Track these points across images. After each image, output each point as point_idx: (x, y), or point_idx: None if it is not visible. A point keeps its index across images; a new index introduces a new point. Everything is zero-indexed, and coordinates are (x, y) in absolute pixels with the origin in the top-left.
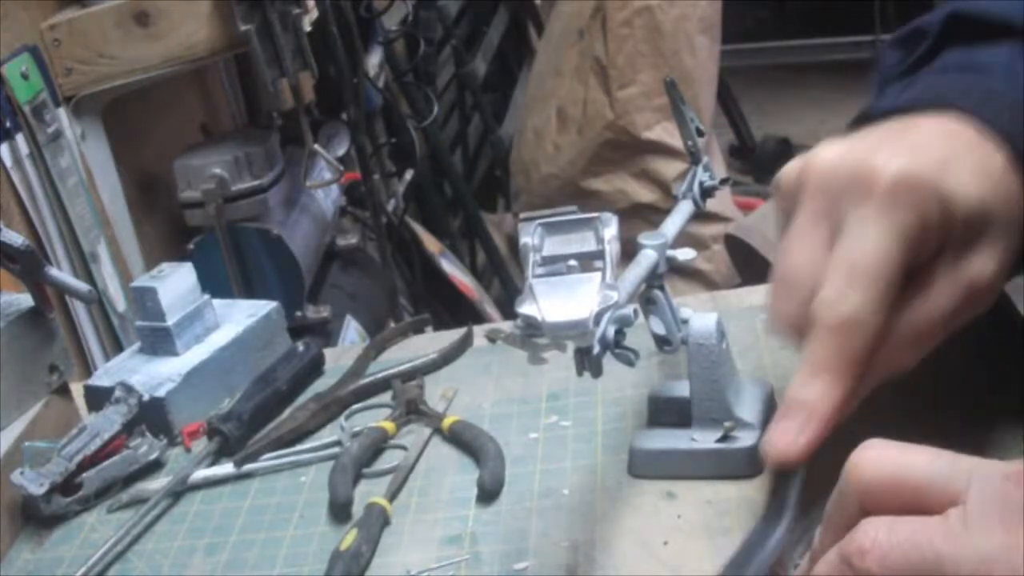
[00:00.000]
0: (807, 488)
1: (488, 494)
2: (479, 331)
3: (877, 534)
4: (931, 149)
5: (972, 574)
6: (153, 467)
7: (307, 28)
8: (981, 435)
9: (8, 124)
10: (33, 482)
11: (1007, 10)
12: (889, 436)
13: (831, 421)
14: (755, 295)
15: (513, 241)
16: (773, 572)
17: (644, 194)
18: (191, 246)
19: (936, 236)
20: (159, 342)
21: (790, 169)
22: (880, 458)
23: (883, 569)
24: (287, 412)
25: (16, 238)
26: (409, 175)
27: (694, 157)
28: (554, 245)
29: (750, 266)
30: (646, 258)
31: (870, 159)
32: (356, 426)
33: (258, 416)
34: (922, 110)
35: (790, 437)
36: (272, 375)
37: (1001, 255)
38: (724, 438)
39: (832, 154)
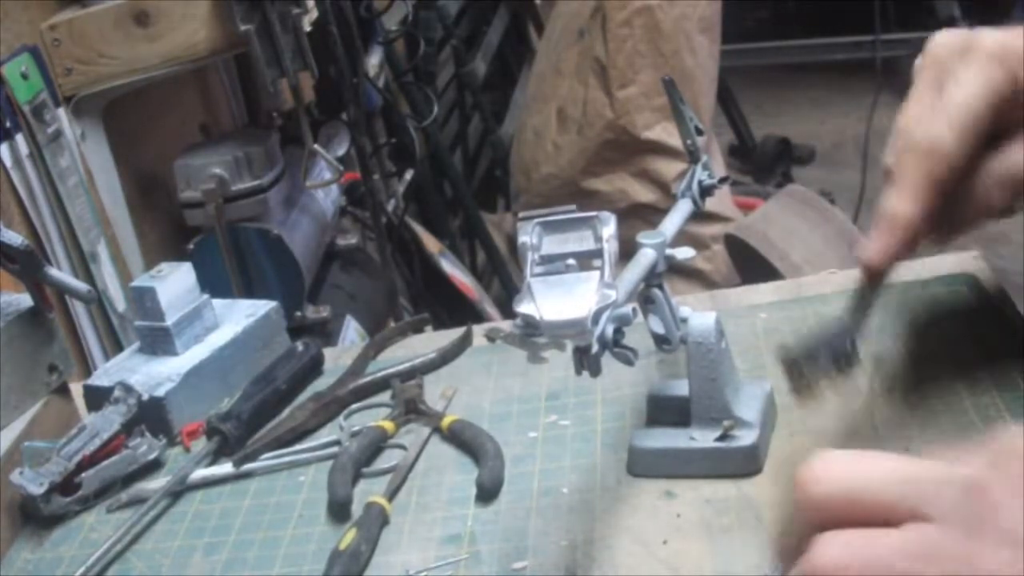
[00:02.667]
0: None
1: (487, 493)
2: (478, 330)
3: (833, 552)
4: None
5: None
6: (152, 467)
7: (307, 28)
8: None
9: (8, 124)
10: (33, 482)
11: None
12: (895, 437)
13: (911, 231)
14: (755, 294)
15: (513, 241)
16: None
17: (644, 194)
18: (191, 246)
19: None
20: (158, 342)
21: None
22: (831, 471)
23: None
24: (286, 412)
25: (16, 238)
26: (409, 175)
27: (693, 156)
28: (553, 244)
29: (750, 266)
30: (645, 257)
31: (975, 35)
32: (355, 425)
33: (257, 416)
34: None
35: (875, 244)
36: (271, 375)
37: None
38: (723, 437)
39: (948, 35)
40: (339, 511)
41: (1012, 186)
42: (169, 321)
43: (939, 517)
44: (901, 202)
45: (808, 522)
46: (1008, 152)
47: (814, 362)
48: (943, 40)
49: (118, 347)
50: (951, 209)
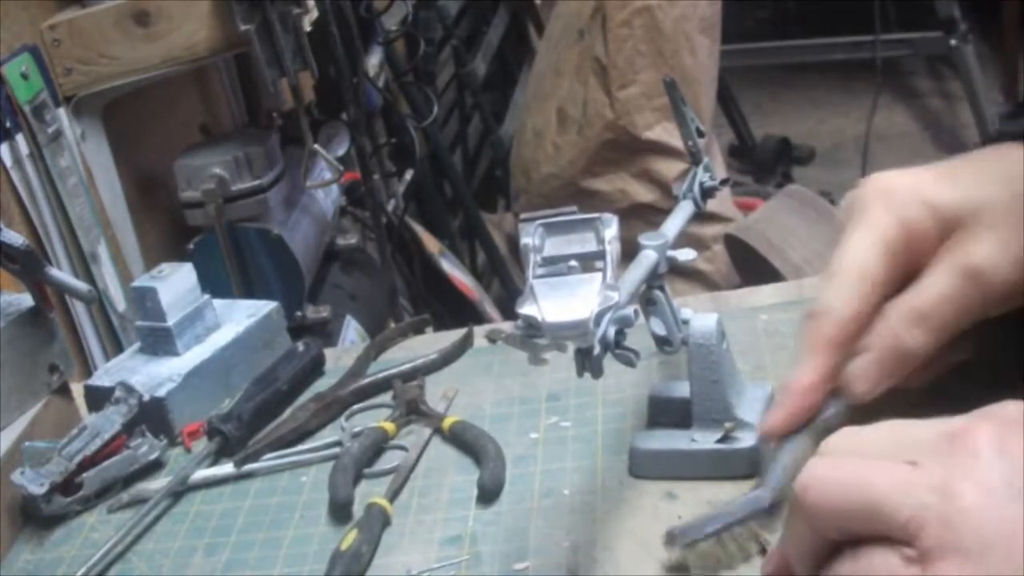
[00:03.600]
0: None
1: (488, 494)
2: (479, 331)
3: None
4: (939, 168)
5: None
6: (153, 467)
7: (307, 28)
8: None
9: (8, 124)
10: (33, 482)
11: None
12: None
13: (807, 397)
14: (755, 296)
15: (513, 241)
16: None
17: (644, 194)
18: (191, 246)
19: (927, 235)
20: (159, 342)
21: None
22: (827, 482)
23: None
24: (287, 412)
25: (16, 238)
26: (409, 175)
27: (695, 157)
28: (555, 245)
29: (750, 266)
30: (646, 258)
31: (867, 182)
32: (356, 426)
33: (258, 416)
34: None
35: (770, 415)
36: (272, 375)
37: (1007, 245)
38: (724, 438)
39: (862, 183)
40: (340, 512)
41: (920, 323)
42: (170, 321)
43: (921, 461)
44: (797, 371)
45: (810, 531)
46: (917, 288)
47: (694, 533)
48: (850, 196)
49: (118, 347)
50: (868, 362)
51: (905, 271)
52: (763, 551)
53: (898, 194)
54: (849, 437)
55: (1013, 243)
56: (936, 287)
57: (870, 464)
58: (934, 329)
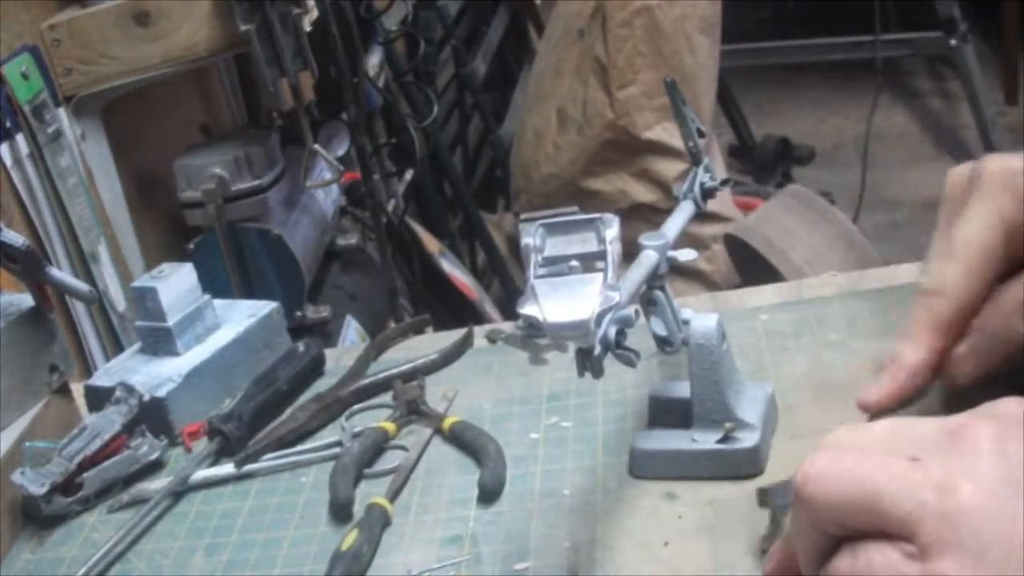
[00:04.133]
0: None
1: (489, 494)
2: (479, 331)
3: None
4: None
5: None
6: (153, 467)
7: (307, 28)
8: None
9: (8, 124)
10: (33, 482)
11: None
12: None
13: (918, 376)
14: (755, 296)
15: (513, 241)
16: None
17: (644, 194)
18: (191, 246)
19: None
20: (159, 342)
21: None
22: (827, 475)
23: None
24: (288, 412)
25: (16, 238)
26: (409, 175)
27: (695, 158)
28: (556, 246)
29: (750, 266)
30: (647, 259)
31: (982, 163)
32: (357, 426)
33: (259, 416)
34: None
35: (873, 388)
36: (272, 375)
37: None
38: (725, 439)
39: (960, 168)
40: (341, 512)
41: None
42: (170, 321)
43: (922, 458)
44: (906, 347)
45: (812, 526)
46: (1020, 279)
47: (787, 495)
48: (956, 173)
49: (118, 347)
50: (977, 345)
51: (1019, 254)
52: (764, 551)
53: (1013, 175)
54: (850, 432)
55: None
56: None
57: (870, 458)
58: None
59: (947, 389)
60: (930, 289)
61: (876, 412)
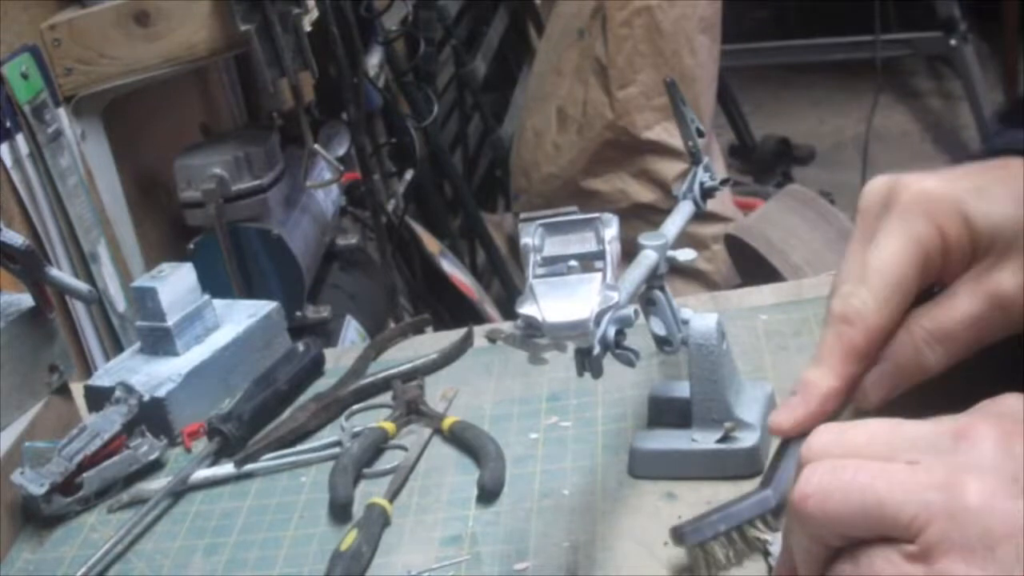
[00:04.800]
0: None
1: (488, 494)
2: (479, 331)
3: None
4: (972, 178)
5: None
6: (153, 467)
7: (307, 28)
8: None
9: (8, 124)
10: (33, 482)
11: None
12: None
13: (829, 403)
14: (755, 296)
15: (513, 241)
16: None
17: (644, 194)
18: (191, 246)
19: (961, 250)
20: (159, 342)
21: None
22: (827, 491)
23: None
24: (287, 412)
25: (16, 238)
26: (409, 175)
27: (695, 157)
28: (555, 245)
29: (750, 266)
30: (647, 259)
31: (900, 182)
32: (356, 426)
33: (258, 416)
34: (1004, 154)
35: (786, 412)
36: (272, 375)
37: None
38: (724, 439)
39: (877, 183)
40: (340, 512)
41: (943, 342)
42: (170, 321)
43: (920, 460)
44: (819, 373)
45: (813, 538)
46: (938, 307)
47: (704, 533)
48: (871, 189)
49: (118, 347)
50: (886, 374)
51: (931, 280)
52: (765, 553)
53: (940, 203)
54: (837, 439)
55: None
56: (962, 308)
57: (869, 468)
58: (955, 349)
59: (856, 411)
60: (842, 315)
61: (782, 436)
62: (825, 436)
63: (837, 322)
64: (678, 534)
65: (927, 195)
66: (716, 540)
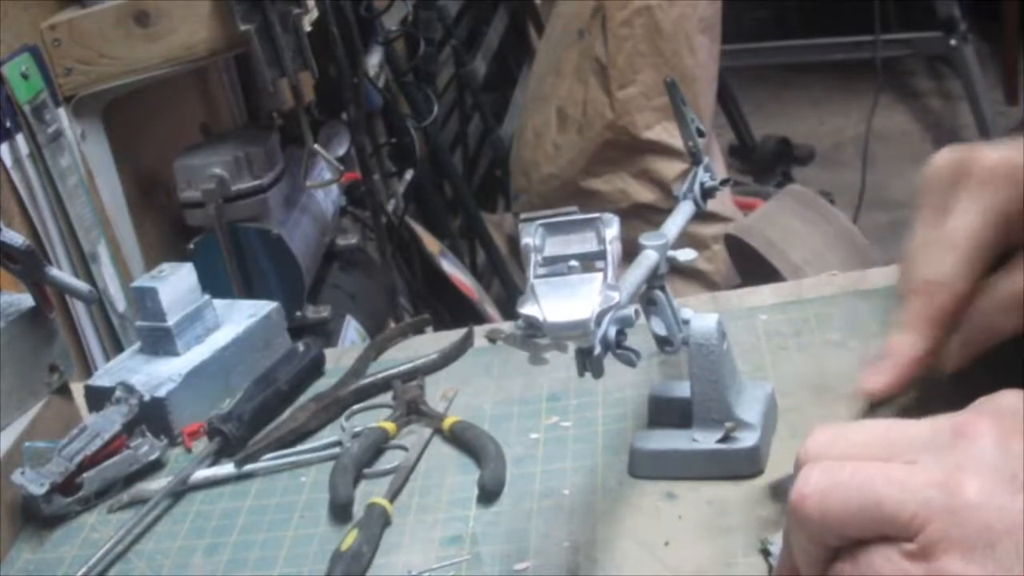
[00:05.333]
0: None
1: (489, 494)
2: (479, 331)
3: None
4: None
5: None
6: (153, 467)
7: (307, 28)
8: None
9: (8, 124)
10: (33, 482)
11: None
12: None
13: (913, 367)
14: (756, 295)
15: (513, 241)
16: None
17: (644, 194)
18: (191, 246)
19: None
20: (159, 342)
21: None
22: (825, 491)
23: None
24: (287, 412)
25: (16, 238)
26: (409, 175)
27: (695, 157)
28: (555, 245)
29: (750, 266)
30: (647, 259)
31: (974, 153)
32: (356, 426)
33: (258, 416)
34: None
35: (878, 375)
36: (272, 375)
37: None
38: (725, 438)
39: (946, 155)
40: (341, 512)
41: (1018, 308)
42: (170, 321)
43: (918, 460)
44: (909, 339)
45: (814, 541)
46: (1011, 273)
47: None
48: (941, 162)
49: (118, 347)
50: (968, 339)
51: (1009, 244)
52: (766, 552)
53: (1017, 169)
54: (834, 439)
55: None
56: None
57: (867, 467)
58: None
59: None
60: (929, 280)
61: (875, 401)
62: (822, 436)
63: (927, 289)
64: (782, 490)
65: (1007, 162)
66: None
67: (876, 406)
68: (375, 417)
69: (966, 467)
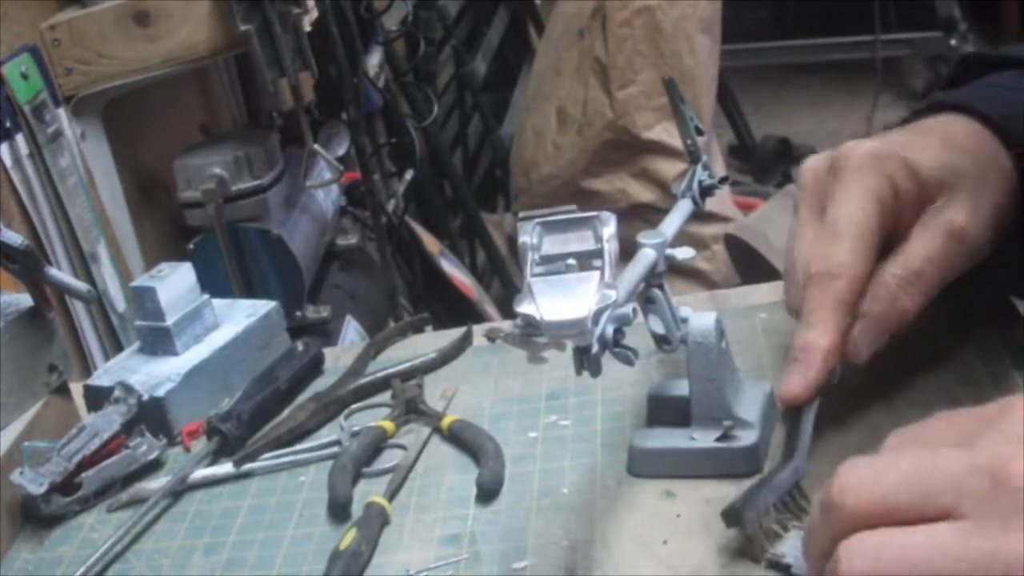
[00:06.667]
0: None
1: (487, 493)
2: (478, 330)
3: (864, 549)
4: (907, 135)
5: None
6: (152, 467)
7: (307, 28)
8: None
9: (8, 124)
10: (33, 482)
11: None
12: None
13: (830, 359)
14: (755, 294)
15: (513, 241)
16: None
17: (644, 194)
18: (191, 246)
19: (910, 198)
20: (159, 342)
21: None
22: (860, 485)
23: None
24: (286, 412)
25: (16, 238)
26: (409, 175)
27: (693, 156)
28: (553, 244)
29: (750, 266)
30: (645, 257)
31: (843, 150)
32: (355, 425)
33: (257, 416)
34: (936, 111)
35: (795, 379)
36: (272, 375)
37: (978, 205)
38: (723, 437)
39: (816, 159)
40: (339, 511)
41: (915, 283)
42: (169, 321)
43: (970, 512)
44: (815, 333)
45: (839, 537)
46: (903, 251)
47: (758, 508)
48: (812, 164)
49: (118, 347)
50: (869, 327)
51: (888, 230)
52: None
53: (887, 159)
54: (870, 486)
55: (982, 204)
56: (925, 248)
57: (914, 543)
58: (927, 288)
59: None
60: (825, 271)
61: (795, 404)
62: (855, 480)
63: (822, 279)
64: (735, 516)
65: (873, 153)
66: (768, 514)
67: (795, 411)
68: (374, 416)
69: (1016, 524)
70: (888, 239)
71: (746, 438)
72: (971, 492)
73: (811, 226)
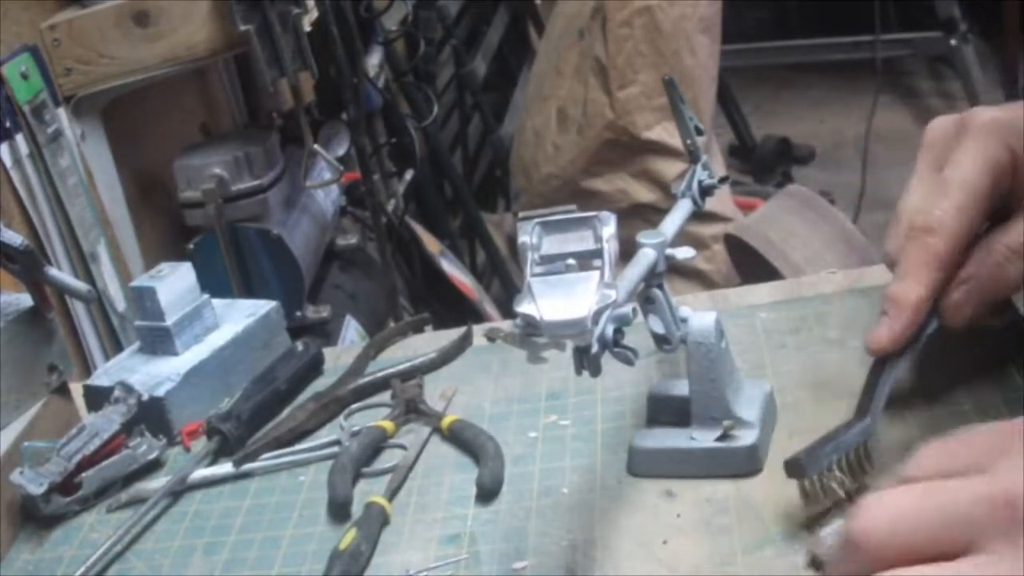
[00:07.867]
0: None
1: (487, 493)
2: (478, 330)
3: None
4: None
5: None
6: (152, 467)
7: (307, 28)
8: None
9: (8, 124)
10: (32, 482)
11: None
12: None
13: (920, 313)
14: (754, 294)
15: (513, 241)
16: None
17: (644, 194)
18: (191, 246)
19: None
20: (158, 342)
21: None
22: (881, 529)
23: None
24: (286, 412)
25: (16, 238)
26: (409, 175)
27: (693, 156)
28: (552, 244)
29: (750, 266)
30: (645, 257)
31: (969, 114)
32: (355, 425)
33: (257, 416)
34: None
35: (882, 330)
36: (271, 375)
37: None
38: (723, 437)
39: (943, 119)
40: (339, 511)
41: (1020, 255)
42: (169, 321)
43: (987, 545)
44: (906, 285)
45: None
46: (1010, 224)
47: (820, 464)
48: (938, 124)
49: (118, 347)
50: (972, 292)
51: (1002, 197)
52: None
53: (1010, 127)
54: (892, 530)
55: None
56: None
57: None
58: None
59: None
60: (925, 226)
61: (884, 354)
62: (875, 520)
63: (920, 233)
64: (796, 466)
65: (998, 121)
66: (830, 471)
67: (885, 361)
68: (374, 416)
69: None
70: (1002, 209)
71: (746, 438)
72: (988, 525)
73: (925, 182)
